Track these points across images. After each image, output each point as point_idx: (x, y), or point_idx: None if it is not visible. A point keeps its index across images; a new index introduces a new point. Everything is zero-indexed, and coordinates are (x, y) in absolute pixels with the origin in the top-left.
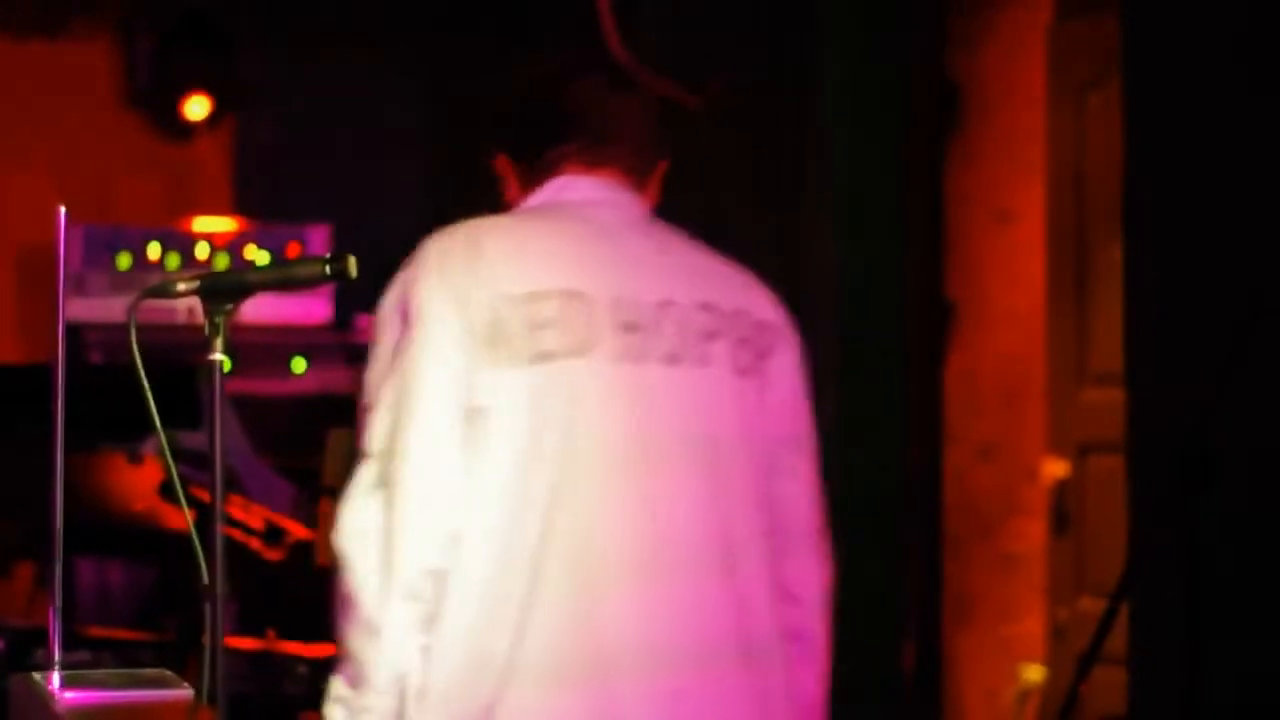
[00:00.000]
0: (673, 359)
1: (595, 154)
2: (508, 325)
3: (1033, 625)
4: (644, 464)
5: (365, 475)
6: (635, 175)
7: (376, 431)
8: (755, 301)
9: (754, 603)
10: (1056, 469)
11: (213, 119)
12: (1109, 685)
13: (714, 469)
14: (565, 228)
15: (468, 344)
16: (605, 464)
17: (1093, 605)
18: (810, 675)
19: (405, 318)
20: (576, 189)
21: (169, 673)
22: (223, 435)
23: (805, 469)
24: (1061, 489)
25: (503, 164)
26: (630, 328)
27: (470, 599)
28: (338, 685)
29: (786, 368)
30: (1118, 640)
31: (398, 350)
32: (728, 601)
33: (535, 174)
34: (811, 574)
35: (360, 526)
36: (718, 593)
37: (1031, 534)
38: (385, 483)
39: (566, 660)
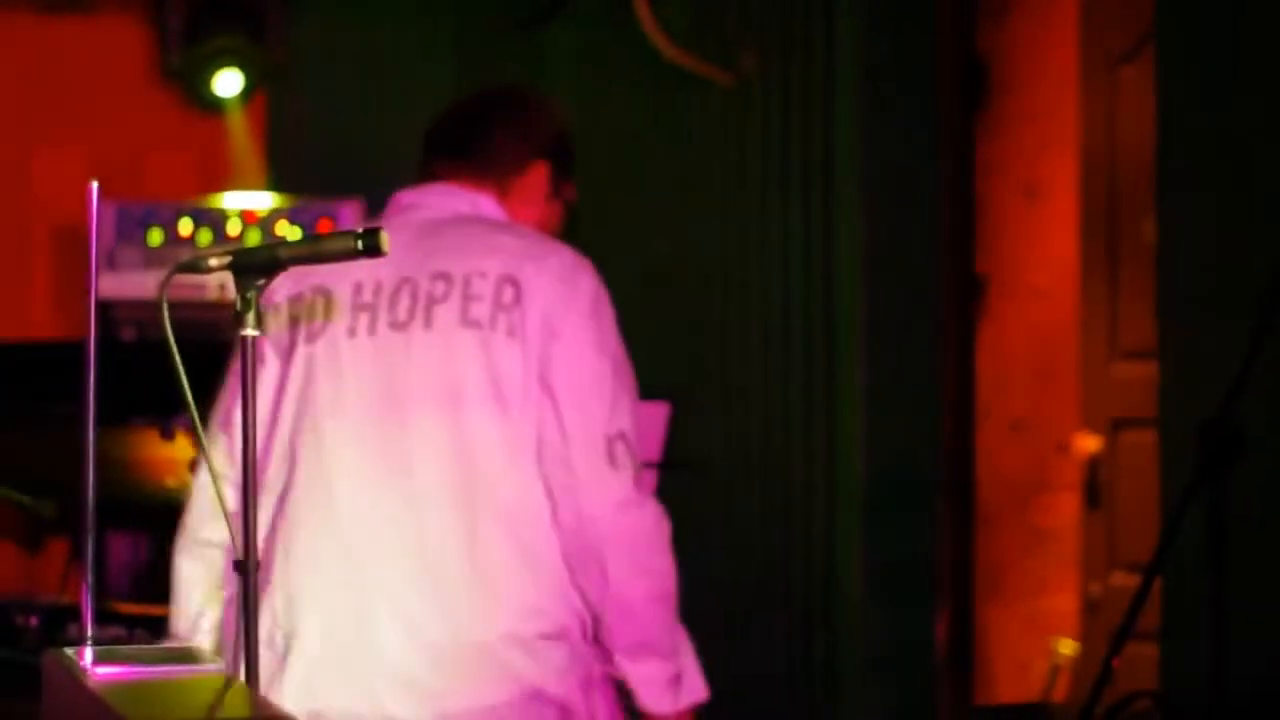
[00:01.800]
0: (400, 325)
1: (431, 166)
2: (277, 326)
3: (1064, 599)
4: (384, 417)
5: None
6: (478, 179)
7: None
8: (499, 262)
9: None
10: (1089, 444)
11: (245, 95)
12: (1141, 660)
13: (453, 410)
14: None
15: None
16: (344, 424)
17: (1125, 580)
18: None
19: None
20: (395, 201)
21: (202, 648)
22: (254, 411)
23: (556, 391)
24: (1094, 464)
25: None
26: (364, 307)
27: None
28: None
29: (535, 311)
30: (1150, 615)
31: None
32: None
33: None
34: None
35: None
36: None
37: (1063, 509)
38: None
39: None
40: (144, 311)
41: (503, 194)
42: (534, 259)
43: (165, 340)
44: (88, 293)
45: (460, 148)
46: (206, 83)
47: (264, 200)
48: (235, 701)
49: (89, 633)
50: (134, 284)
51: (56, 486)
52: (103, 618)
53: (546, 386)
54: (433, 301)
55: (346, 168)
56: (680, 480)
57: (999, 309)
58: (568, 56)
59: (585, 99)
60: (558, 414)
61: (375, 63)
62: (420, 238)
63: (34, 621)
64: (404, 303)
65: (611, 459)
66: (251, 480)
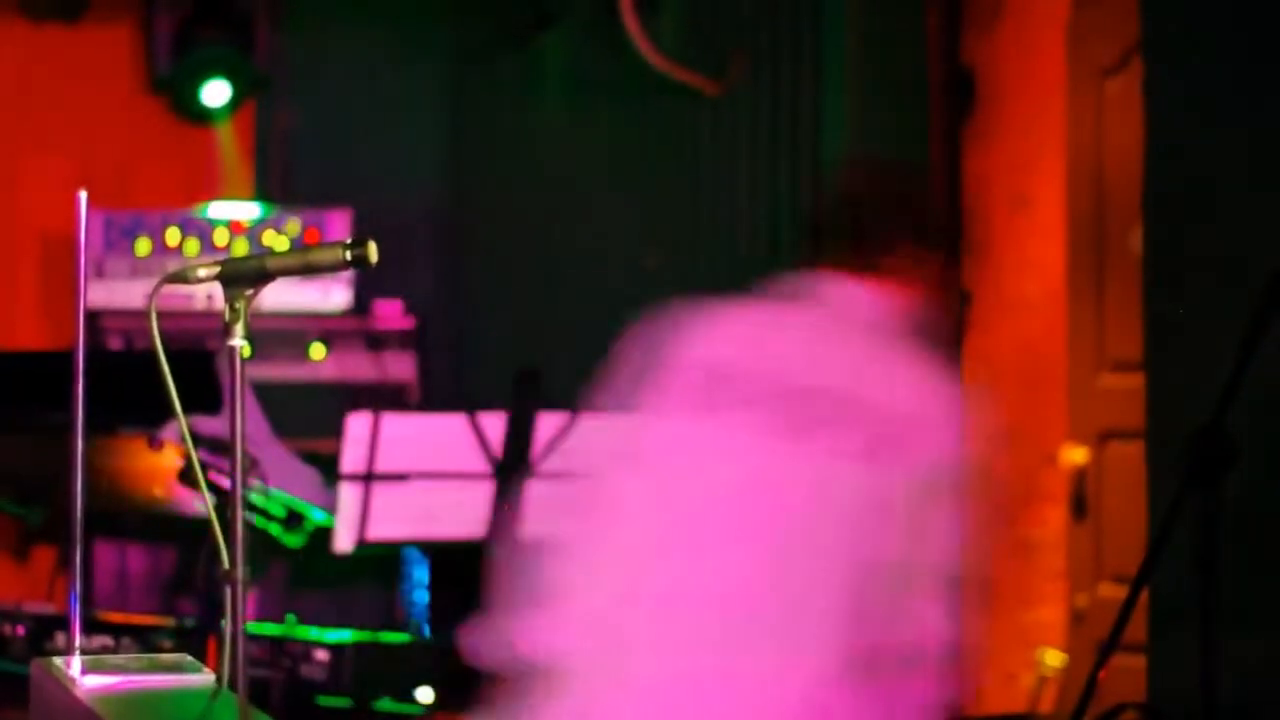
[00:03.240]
0: (792, 433)
1: (818, 253)
2: (689, 384)
3: (1051, 611)
4: (760, 515)
5: None
6: (851, 269)
7: None
8: (893, 395)
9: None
10: (1076, 455)
11: (232, 104)
12: (1128, 672)
13: (797, 540)
14: (759, 317)
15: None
16: (719, 510)
17: (1112, 591)
18: None
19: None
20: (796, 283)
21: (189, 658)
22: (243, 421)
23: (912, 524)
24: (1081, 475)
25: None
26: (764, 403)
27: None
28: None
29: (913, 452)
30: (1137, 627)
31: None
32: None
33: None
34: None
35: None
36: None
37: (1050, 520)
38: None
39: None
40: (132, 321)
41: (887, 280)
42: (920, 395)
43: (154, 350)
44: (76, 302)
45: (845, 235)
46: (195, 93)
47: (251, 210)
48: (223, 711)
49: (76, 642)
50: (122, 293)
51: (44, 495)
52: (90, 627)
53: (901, 517)
54: (822, 421)
55: (334, 178)
56: None
57: (985, 320)
58: (557, 68)
59: (575, 110)
60: (903, 543)
61: (363, 73)
62: (826, 344)
63: (21, 631)
64: (801, 410)
65: (936, 593)
66: (238, 488)
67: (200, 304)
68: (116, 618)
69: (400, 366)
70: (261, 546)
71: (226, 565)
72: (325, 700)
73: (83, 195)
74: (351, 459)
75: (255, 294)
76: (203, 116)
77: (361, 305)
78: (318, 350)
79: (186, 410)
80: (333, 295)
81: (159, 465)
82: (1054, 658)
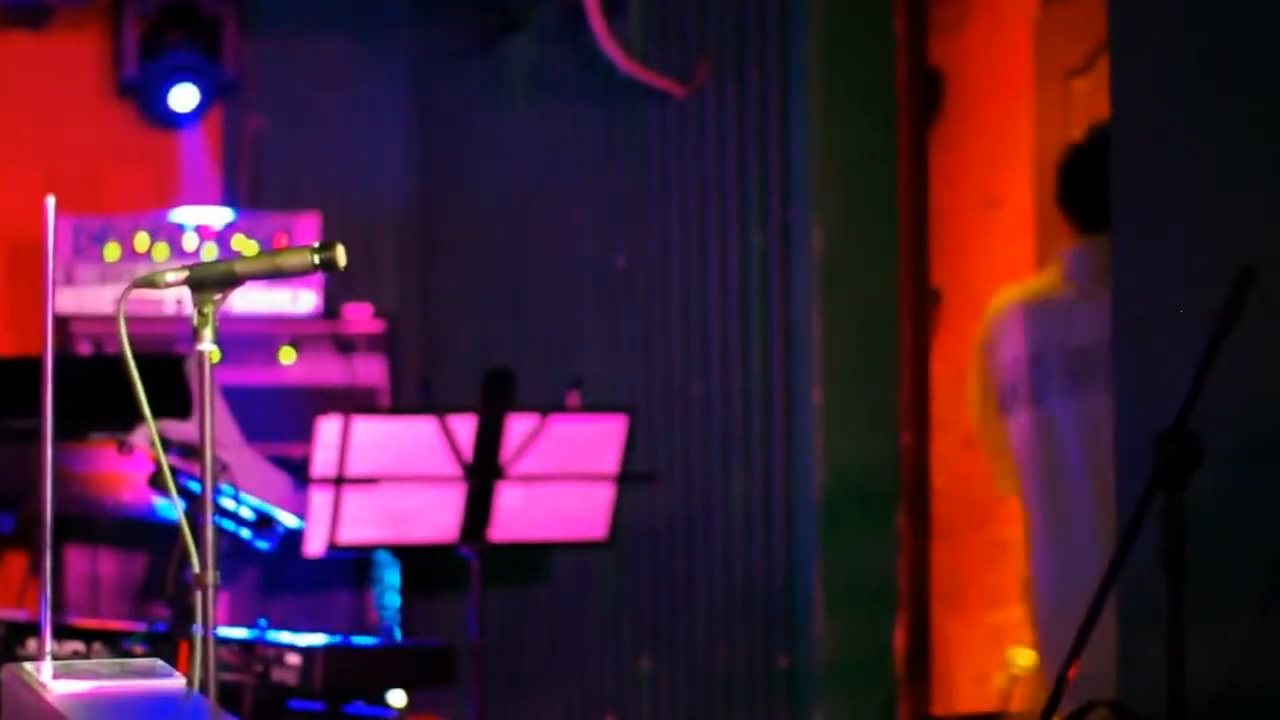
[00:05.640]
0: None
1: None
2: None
3: (1022, 611)
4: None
5: None
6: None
7: None
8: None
9: None
10: None
11: (200, 109)
12: (1097, 671)
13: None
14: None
15: None
16: None
17: None
18: None
19: None
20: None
21: (160, 662)
22: (212, 426)
23: None
24: None
25: None
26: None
27: None
28: None
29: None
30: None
31: None
32: None
33: None
34: None
35: None
36: None
37: (1021, 520)
38: None
39: None
40: (101, 326)
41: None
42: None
43: (123, 355)
44: (44, 308)
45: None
46: (162, 97)
47: (220, 215)
48: (194, 716)
49: (48, 648)
50: (91, 299)
51: (14, 501)
52: (61, 632)
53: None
54: (1093, 374)
55: (303, 182)
56: (638, 493)
57: (954, 320)
58: (524, 72)
59: (542, 113)
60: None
61: (331, 78)
62: (1082, 308)
63: None
64: (1082, 369)
65: None
66: (208, 493)
67: (169, 309)
68: (88, 623)
69: (370, 370)
70: (232, 550)
71: (197, 569)
72: (297, 704)
73: (50, 200)
74: (322, 463)
75: (224, 298)
76: (170, 121)
77: (331, 309)
78: (287, 354)
79: (156, 415)
80: (302, 299)
81: (129, 470)
82: (1024, 657)
